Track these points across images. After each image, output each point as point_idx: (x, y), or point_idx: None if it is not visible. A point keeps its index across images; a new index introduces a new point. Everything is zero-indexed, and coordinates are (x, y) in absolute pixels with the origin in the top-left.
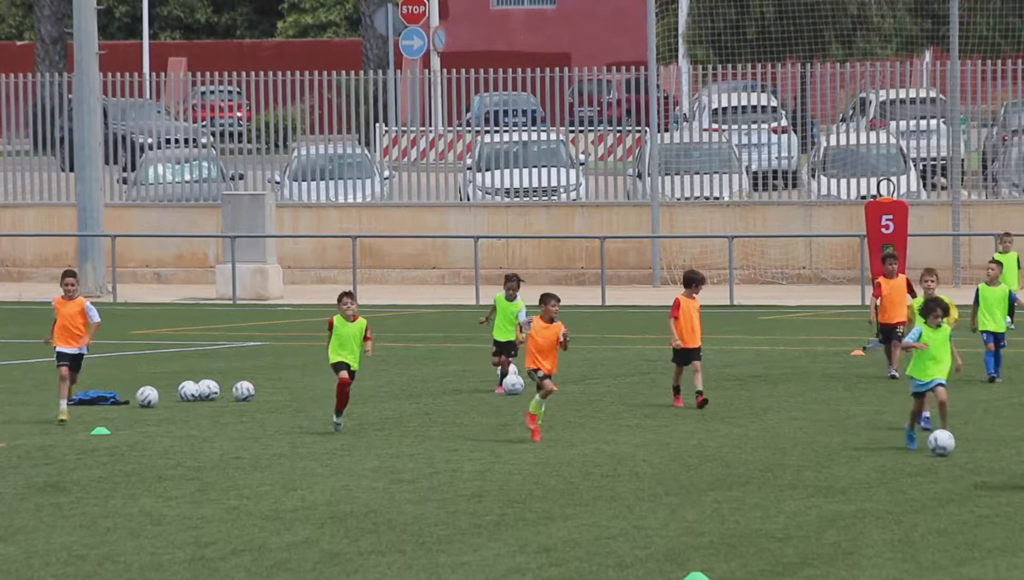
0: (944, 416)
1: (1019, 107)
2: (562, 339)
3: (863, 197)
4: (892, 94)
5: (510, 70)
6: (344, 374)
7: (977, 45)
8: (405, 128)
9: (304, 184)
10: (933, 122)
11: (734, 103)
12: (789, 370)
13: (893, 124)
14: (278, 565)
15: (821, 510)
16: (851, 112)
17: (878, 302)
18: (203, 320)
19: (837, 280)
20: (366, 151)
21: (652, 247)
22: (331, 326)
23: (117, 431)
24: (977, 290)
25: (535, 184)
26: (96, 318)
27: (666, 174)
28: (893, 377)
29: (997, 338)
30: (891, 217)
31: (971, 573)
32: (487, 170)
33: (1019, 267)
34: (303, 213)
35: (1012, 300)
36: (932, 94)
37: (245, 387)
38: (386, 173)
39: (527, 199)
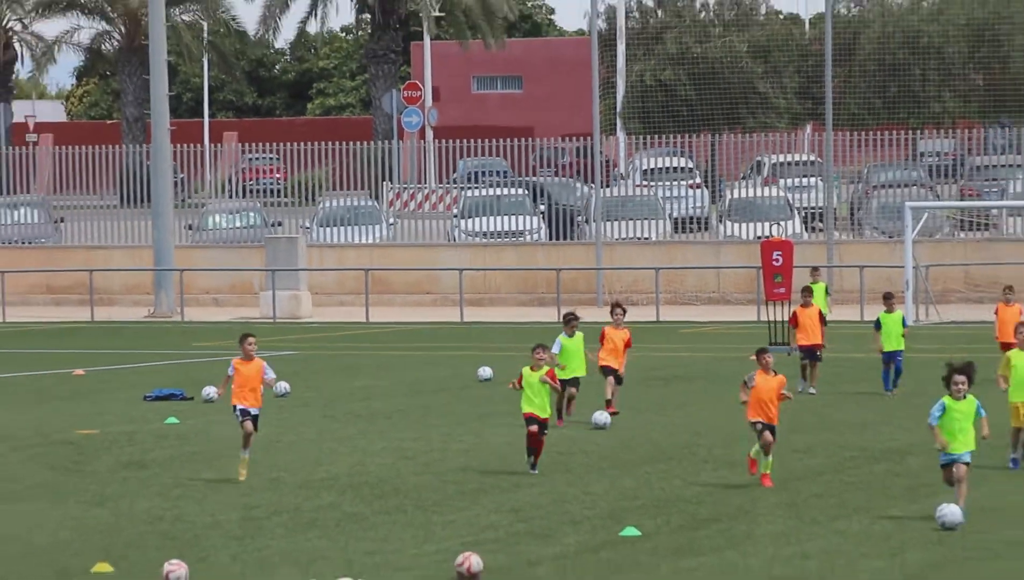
0: (960, 495)
1: (878, 168)
2: (785, 393)
3: (759, 237)
4: (781, 158)
5: (487, 140)
6: (534, 428)
7: (847, 120)
8: (406, 185)
9: (328, 229)
10: (812, 179)
11: (659, 165)
12: (703, 372)
13: (782, 181)
14: (309, 523)
15: (727, 479)
16: (750, 172)
17: (795, 330)
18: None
19: (739, 301)
20: (375, 203)
21: (597, 277)
22: (520, 380)
23: (185, 420)
24: (878, 318)
25: (506, 228)
26: (271, 375)
27: (607, 220)
28: (811, 394)
29: (894, 356)
30: (780, 253)
31: (841, 527)
32: (469, 217)
33: (827, 294)
34: (327, 251)
35: (905, 324)
36: (811, 158)
37: (283, 386)
38: (391, 220)
39: (500, 240)
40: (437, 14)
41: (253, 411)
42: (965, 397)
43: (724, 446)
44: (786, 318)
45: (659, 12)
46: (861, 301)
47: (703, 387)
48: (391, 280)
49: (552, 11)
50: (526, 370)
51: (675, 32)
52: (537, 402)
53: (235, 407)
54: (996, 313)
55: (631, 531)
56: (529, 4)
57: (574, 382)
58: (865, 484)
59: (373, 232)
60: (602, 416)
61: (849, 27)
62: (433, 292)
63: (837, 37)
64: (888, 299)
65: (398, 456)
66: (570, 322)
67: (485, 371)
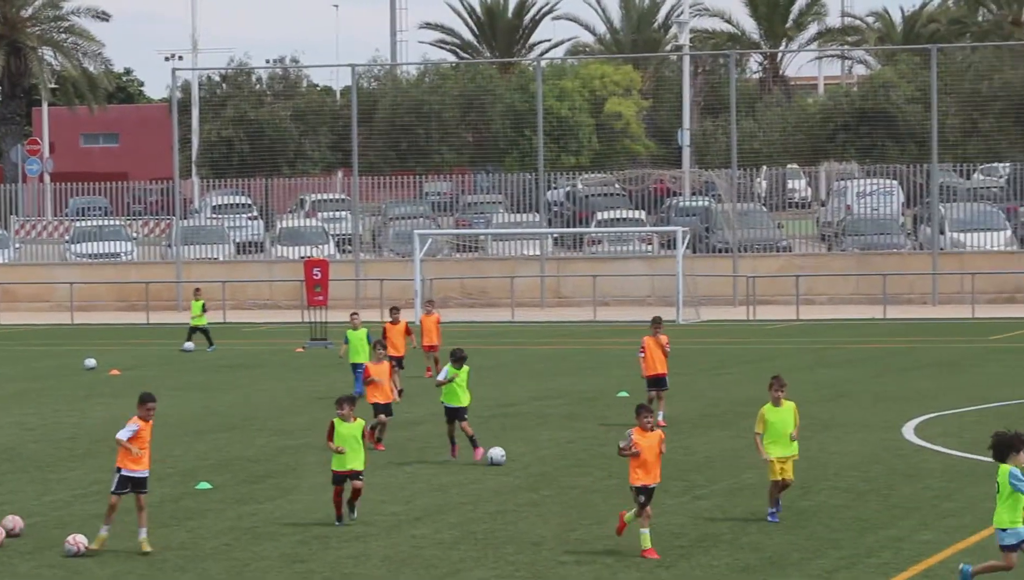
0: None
1: (394, 204)
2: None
3: (303, 257)
4: (319, 196)
5: (94, 183)
6: (339, 487)
7: (369, 167)
8: (28, 218)
9: None
10: (343, 213)
11: (225, 202)
12: (257, 361)
13: (320, 214)
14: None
15: (278, 443)
16: (295, 207)
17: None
18: None
19: (288, 306)
20: (4, 232)
21: (178, 289)
22: (331, 430)
23: None
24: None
25: (107, 250)
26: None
27: (185, 244)
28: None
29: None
30: (319, 269)
31: (373, 479)
32: (79, 242)
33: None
34: None
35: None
36: (342, 196)
37: None
38: (17, 245)
39: (103, 260)
40: (53, 86)
41: (138, 474)
42: None
43: (276, 418)
44: (325, 320)
45: (224, 85)
46: (381, 307)
47: (260, 372)
48: (17, 291)
49: (143, 83)
50: (337, 421)
51: (235, 100)
52: (352, 455)
53: (117, 470)
54: (421, 322)
55: (204, 485)
56: (124, 78)
57: (463, 411)
58: (388, 443)
59: (3, 254)
60: (497, 452)
61: (370, 97)
62: (51, 301)
63: (361, 104)
64: (353, 316)
65: (20, 428)
66: (459, 358)
67: (90, 362)
